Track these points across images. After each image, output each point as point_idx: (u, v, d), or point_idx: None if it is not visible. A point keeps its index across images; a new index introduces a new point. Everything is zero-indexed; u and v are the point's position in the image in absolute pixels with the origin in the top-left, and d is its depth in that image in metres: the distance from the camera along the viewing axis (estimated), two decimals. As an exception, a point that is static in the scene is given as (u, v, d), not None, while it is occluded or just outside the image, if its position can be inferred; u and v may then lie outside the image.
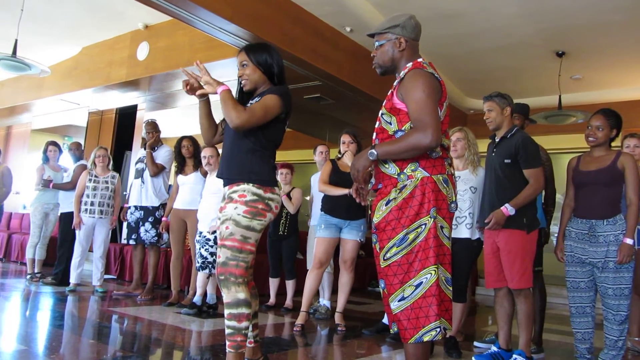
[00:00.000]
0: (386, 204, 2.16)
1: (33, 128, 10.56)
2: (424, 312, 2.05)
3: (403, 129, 2.14)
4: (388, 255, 2.12)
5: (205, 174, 4.88)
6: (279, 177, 5.28)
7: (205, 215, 4.55)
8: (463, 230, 3.56)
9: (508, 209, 3.15)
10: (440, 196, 2.12)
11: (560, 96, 6.95)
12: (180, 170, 5.11)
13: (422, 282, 2.06)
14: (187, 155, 5.06)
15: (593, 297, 3.16)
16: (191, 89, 2.45)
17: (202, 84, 2.43)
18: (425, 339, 2.04)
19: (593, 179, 3.17)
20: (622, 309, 3.01)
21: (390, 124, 2.19)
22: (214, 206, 4.51)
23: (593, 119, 3.25)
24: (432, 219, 2.08)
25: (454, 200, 2.19)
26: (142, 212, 5.31)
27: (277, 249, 5.34)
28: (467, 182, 3.61)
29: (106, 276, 6.26)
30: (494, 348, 3.38)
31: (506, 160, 3.25)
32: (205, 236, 4.52)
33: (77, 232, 5.46)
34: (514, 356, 3.17)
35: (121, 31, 7.46)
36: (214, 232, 4.47)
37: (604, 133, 3.19)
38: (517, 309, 3.23)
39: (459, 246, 3.50)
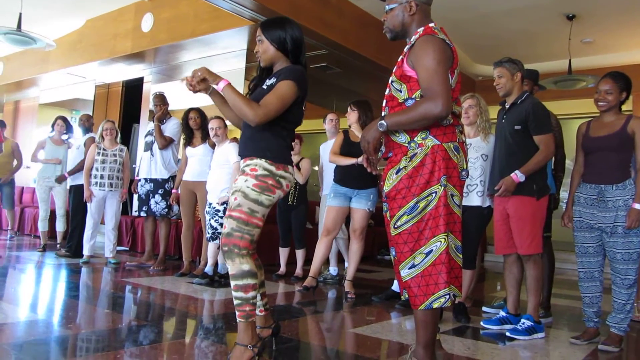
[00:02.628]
0: (396, 173, 2.16)
1: (41, 102, 10.58)
2: (433, 279, 2.07)
3: (413, 96, 2.12)
4: (399, 223, 2.14)
5: (213, 146, 4.89)
6: None
7: (214, 187, 4.58)
8: (474, 198, 3.56)
9: (518, 175, 3.15)
10: (450, 164, 2.11)
11: (570, 60, 6.83)
12: (189, 142, 5.12)
13: (432, 250, 2.08)
14: (194, 127, 5.05)
15: (601, 262, 3.17)
16: (193, 86, 2.33)
17: (197, 83, 2.30)
18: (435, 305, 2.07)
19: (603, 144, 3.14)
20: (630, 273, 3.02)
21: (400, 91, 2.17)
22: (222, 177, 4.55)
23: (601, 83, 3.19)
24: (443, 187, 2.08)
25: (464, 167, 2.18)
26: (152, 185, 5.35)
27: (287, 218, 5.38)
28: (479, 150, 3.59)
29: (118, 248, 6.37)
30: (502, 313, 3.43)
31: (516, 127, 3.23)
32: (214, 207, 4.56)
33: (88, 205, 5.52)
34: (522, 320, 3.21)
35: (125, 2, 7.38)
36: (224, 203, 4.51)
37: (613, 97, 3.13)
38: (526, 274, 3.26)
39: (469, 214, 3.51)
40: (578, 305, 4.39)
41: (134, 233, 7.00)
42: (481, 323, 3.44)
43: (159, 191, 5.32)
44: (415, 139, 2.13)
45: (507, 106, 3.36)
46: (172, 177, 5.37)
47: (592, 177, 3.16)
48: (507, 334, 3.18)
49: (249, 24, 6.03)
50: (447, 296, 2.06)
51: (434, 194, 2.09)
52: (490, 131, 3.65)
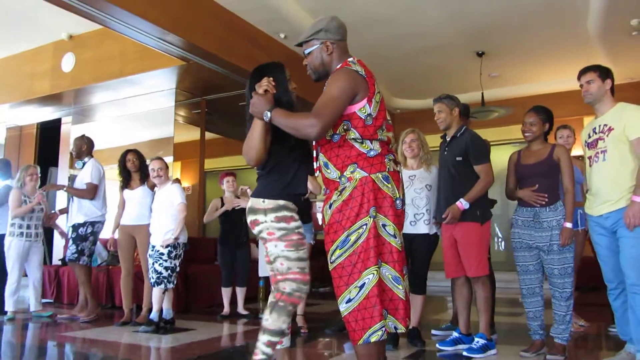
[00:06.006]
0: (330, 207, 2.18)
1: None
2: (369, 312, 2.05)
3: (338, 132, 2.17)
4: (333, 258, 2.14)
5: (152, 187, 4.77)
6: (224, 186, 5.28)
7: (158, 229, 4.46)
8: (421, 226, 3.73)
9: (463, 203, 3.38)
10: (380, 194, 2.12)
11: (482, 93, 7.41)
12: (126, 184, 4.94)
13: (364, 283, 2.07)
14: (133, 170, 4.90)
15: (541, 278, 3.45)
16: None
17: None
18: (373, 339, 2.05)
19: (533, 171, 3.46)
20: (567, 286, 3.32)
21: None
22: (166, 219, 4.44)
23: (526, 116, 3.54)
24: (372, 219, 2.09)
25: (398, 196, 2.16)
26: (70, 230, 5.14)
27: (232, 257, 5.31)
28: (423, 181, 3.79)
29: (42, 300, 5.95)
30: (455, 334, 3.60)
31: (457, 158, 3.48)
32: (158, 250, 4.42)
33: (8, 256, 5.14)
34: (476, 339, 3.40)
35: (42, 42, 7.07)
36: (168, 245, 4.40)
37: (537, 128, 3.49)
38: (476, 295, 3.47)
39: (418, 242, 3.70)
40: (518, 321, 4.71)
41: (59, 283, 6.56)
42: (437, 345, 3.59)
43: (72, 235, 5.10)
44: (344, 173, 2.15)
45: (447, 139, 3.62)
46: (91, 223, 5.10)
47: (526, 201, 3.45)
48: (464, 353, 3.36)
49: (178, 63, 6.02)
50: (384, 329, 2.06)
51: (364, 227, 2.09)
52: (432, 162, 3.88)
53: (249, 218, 2.44)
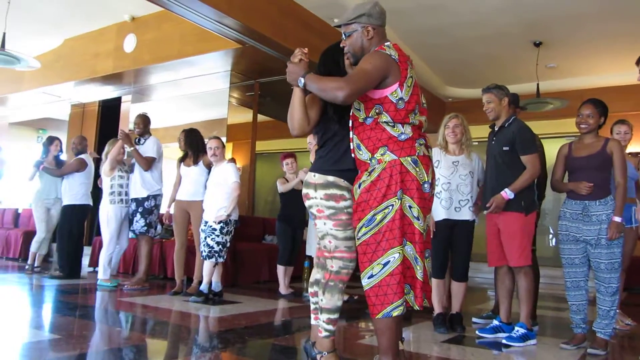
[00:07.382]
0: (359, 187, 2.29)
1: (10, 121, 10.37)
2: (392, 289, 2.16)
3: (370, 115, 2.27)
4: (359, 235, 2.25)
5: (208, 165, 4.98)
6: (285, 168, 5.38)
7: (211, 205, 4.67)
8: (465, 212, 3.75)
9: (507, 193, 3.39)
10: (408, 177, 2.20)
11: (538, 84, 7.25)
12: (183, 161, 5.19)
13: (389, 261, 2.17)
14: (181, 149, 5.15)
15: (586, 272, 3.43)
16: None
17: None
18: (394, 313, 2.16)
19: (585, 163, 3.42)
20: (613, 281, 3.29)
21: (359, 110, 2.31)
22: (220, 196, 4.64)
23: (583, 108, 3.49)
24: (399, 200, 2.19)
25: (426, 180, 2.24)
26: (135, 204, 5.40)
27: (293, 235, 5.33)
28: (466, 167, 3.79)
29: (95, 269, 6.39)
30: (495, 322, 3.63)
31: (504, 148, 3.48)
32: (211, 226, 4.64)
33: (108, 224, 5.37)
34: (516, 328, 3.42)
35: (105, 23, 7.41)
36: (220, 222, 4.60)
37: (594, 120, 3.44)
38: (518, 285, 3.48)
39: (461, 228, 3.73)
40: (560, 315, 4.67)
41: (116, 253, 6.94)
42: (477, 332, 3.64)
43: (139, 209, 5.36)
44: (375, 155, 2.24)
45: (496, 129, 3.62)
46: (153, 196, 5.38)
47: (576, 193, 3.42)
48: (503, 341, 3.39)
49: (234, 46, 6.18)
50: (404, 304, 2.17)
51: (390, 207, 2.18)
52: (472, 149, 3.89)
53: (303, 191, 2.53)
